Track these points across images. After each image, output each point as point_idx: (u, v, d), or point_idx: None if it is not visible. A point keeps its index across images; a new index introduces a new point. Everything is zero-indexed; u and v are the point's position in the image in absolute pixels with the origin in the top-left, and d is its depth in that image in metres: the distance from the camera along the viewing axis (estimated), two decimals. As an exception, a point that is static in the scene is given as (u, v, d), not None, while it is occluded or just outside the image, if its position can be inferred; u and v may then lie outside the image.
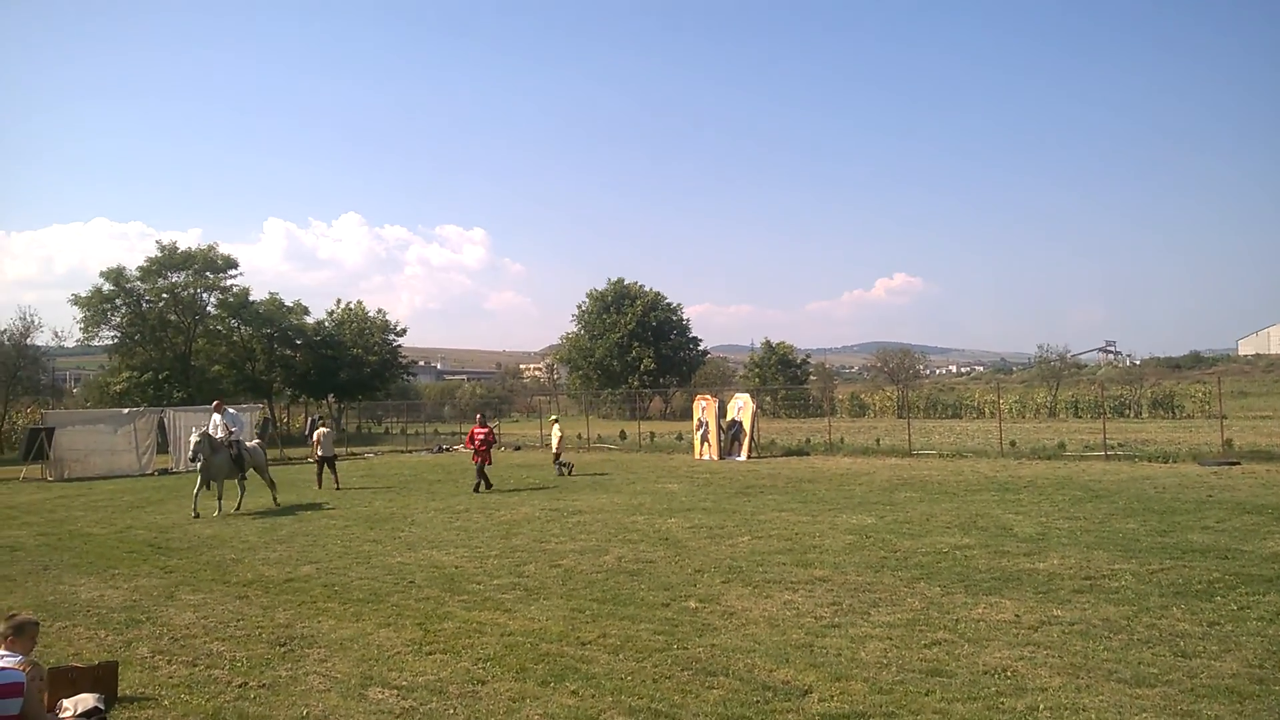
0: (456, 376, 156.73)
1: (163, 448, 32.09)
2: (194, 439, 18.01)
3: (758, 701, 6.08)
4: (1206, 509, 14.27)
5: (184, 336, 50.03)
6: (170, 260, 48.98)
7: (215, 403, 20.07)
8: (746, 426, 29.62)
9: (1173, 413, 53.03)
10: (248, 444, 19.48)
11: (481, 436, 21.34)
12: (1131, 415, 53.26)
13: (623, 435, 39.85)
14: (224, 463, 18.11)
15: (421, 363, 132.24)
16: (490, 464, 21.27)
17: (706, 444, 29.91)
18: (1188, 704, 5.78)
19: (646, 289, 78.64)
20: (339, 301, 59.06)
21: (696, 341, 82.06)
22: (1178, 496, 15.94)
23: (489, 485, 20.60)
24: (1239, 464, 21.59)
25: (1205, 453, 23.89)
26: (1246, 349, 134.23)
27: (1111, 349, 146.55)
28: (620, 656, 7.17)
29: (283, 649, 7.71)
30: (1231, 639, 7.14)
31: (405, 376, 68.90)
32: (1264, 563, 10.01)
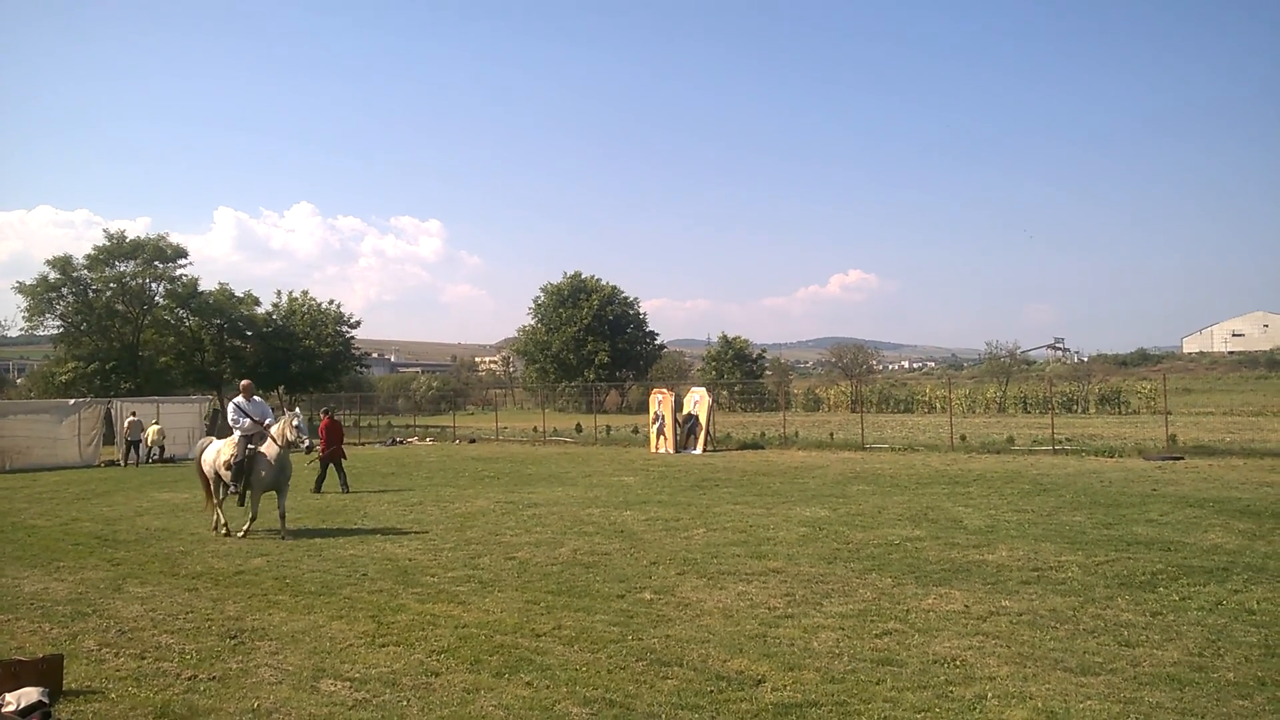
0: (411, 369, 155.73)
1: (109, 438, 31.55)
2: (245, 427, 13.56)
3: (711, 691, 6.11)
4: (1151, 502, 14.57)
5: (132, 326, 49.25)
6: (118, 249, 48.18)
7: (245, 383, 14.29)
8: (702, 420, 29.75)
9: (1119, 409, 54.07)
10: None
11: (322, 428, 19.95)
12: (1079, 411, 54.24)
13: (579, 428, 39.84)
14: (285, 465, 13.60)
15: (375, 355, 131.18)
16: (345, 459, 19.98)
17: (663, 437, 29.99)
18: (1131, 691, 5.90)
19: (603, 283, 78.81)
20: (280, 293, 58.19)
21: (653, 335, 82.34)
22: (1123, 490, 16.25)
23: (345, 486, 19.07)
24: (1183, 459, 22.07)
25: (1150, 448, 24.38)
26: (1191, 347, 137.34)
27: (1060, 346, 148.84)
28: (575, 648, 7.17)
29: (233, 641, 7.61)
30: (1173, 628, 7.30)
31: (358, 369, 68.31)
32: (1205, 554, 10.25)
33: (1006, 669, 6.40)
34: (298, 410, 13.53)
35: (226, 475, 13.47)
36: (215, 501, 13.88)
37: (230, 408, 13.96)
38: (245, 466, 13.31)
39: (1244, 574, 9.20)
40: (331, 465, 19.59)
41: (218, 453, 13.75)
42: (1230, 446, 23.97)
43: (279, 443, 13.26)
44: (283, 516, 13.33)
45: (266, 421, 13.64)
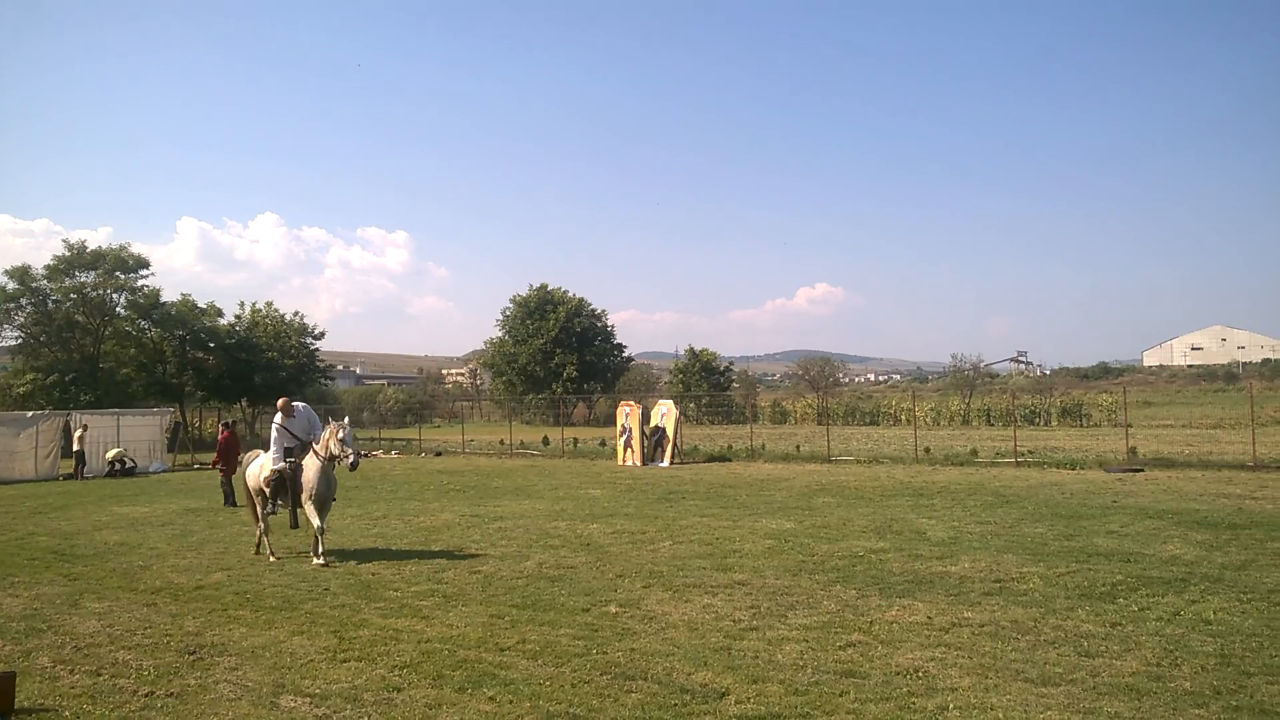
0: (377, 381, 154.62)
1: (66, 451, 31.06)
2: (280, 446, 12.56)
3: (676, 705, 6.10)
4: (1111, 514, 14.75)
5: (92, 338, 48.51)
6: (79, 259, 47.46)
7: (282, 401, 12.99)
8: (670, 433, 29.76)
9: (1081, 421, 54.65)
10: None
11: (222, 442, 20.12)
12: (1041, 423, 54.77)
13: (546, 441, 39.73)
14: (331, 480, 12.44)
15: (340, 367, 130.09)
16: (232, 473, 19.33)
17: (630, 450, 29.95)
18: (1090, 701, 5.96)
19: (571, 294, 78.63)
20: (243, 304, 57.55)
21: (621, 348, 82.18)
22: (1084, 502, 16.44)
23: (231, 501, 18.98)
24: (1143, 470, 22.36)
25: (1111, 460, 24.70)
26: (1151, 360, 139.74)
27: (1023, 359, 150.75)
28: (539, 662, 7.14)
29: (192, 657, 7.51)
30: (1132, 639, 7.39)
31: (323, 381, 67.63)
32: (1163, 565, 10.39)
33: (968, 680, 6.45)
34: (346, 421, 12.30)
35: (267, 491, 12.53)
36: (260, 521, 12.82)
37: (273, 431, 12.79)
38: (285, 482, 12.31)
39: (1201, 584, 9.33)
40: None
41: (261, 467, 12.84)
42: (1189, 459, 24.34)
43: (321, 455, 12.11)
44: (320, 534, 12.03)
45: (313, 436, 12.48)
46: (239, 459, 19.55)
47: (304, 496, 12.15)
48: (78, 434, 29.71)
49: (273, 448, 12.69)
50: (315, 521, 12.00)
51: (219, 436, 20.95)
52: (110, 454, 30.29)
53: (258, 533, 12.86)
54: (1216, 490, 17.86)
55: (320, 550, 11.91)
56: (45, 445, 29.91)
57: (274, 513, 12.52)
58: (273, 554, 12.45)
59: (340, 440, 11.98)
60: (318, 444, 12.24)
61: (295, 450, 12.44)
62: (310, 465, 12.18)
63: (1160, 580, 9.58)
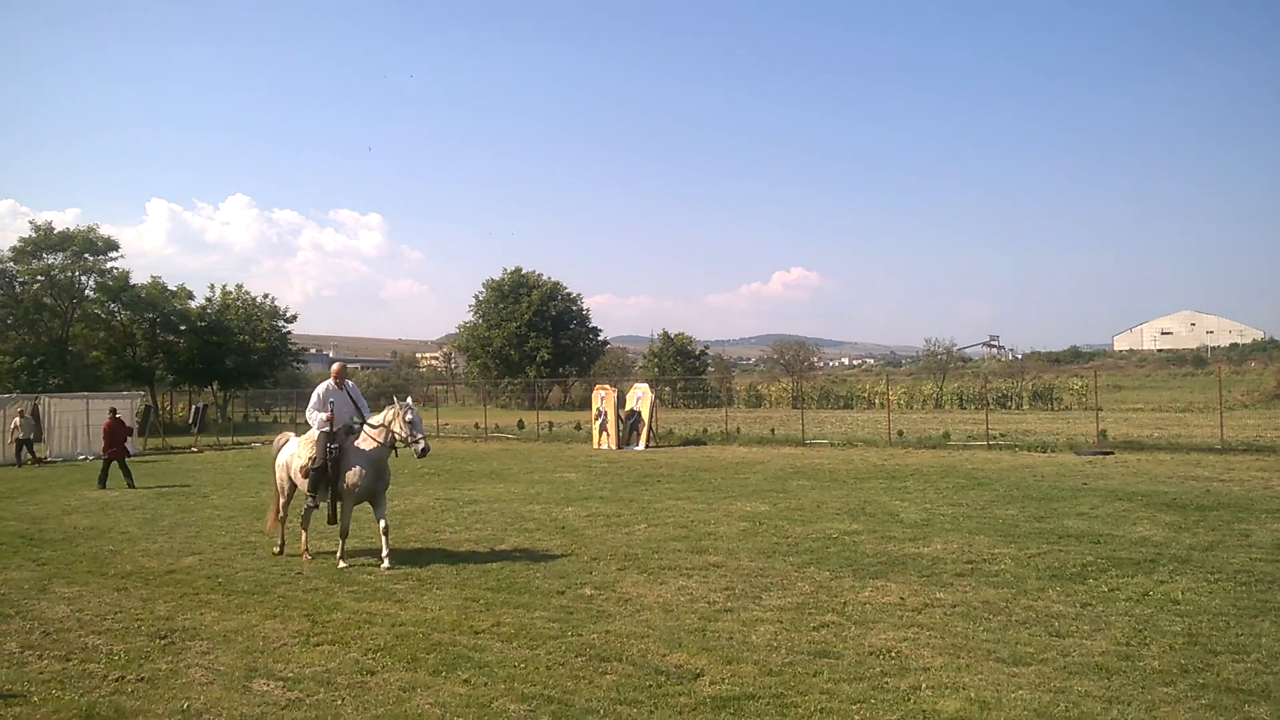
0: (351, 364, 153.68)
1: (38, 435, 30.67)
2: (320, 421, 10.94)
3: (650, 686, 6.11)
4: (1081, 496, 14.90)
5: (60, 320, 47.90)
6: (46, 241, 46.79)
7: (336, 366, 11.96)
8: (645, 416, 29.78)
9: (1052, 405, 55.12)
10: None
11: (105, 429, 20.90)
12: (1013, 407, 55.21)
13: (521, 425, 39.63)
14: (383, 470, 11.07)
15: (313, 350, 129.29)
16: (129, 456, 21.17)
17: (605, 433, 29.96)
18: (1060, 681, 6.02)
19: (545, 278, 78.33)
20: (213, 286, 56.99)
21: (596, 331, 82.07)
22: (1055, 484, 16.59)
23: (129, 481, 19.80)
24: (1112, 453, 22.59)
25: (1081, 443, 24.92)
26: (1121, 345, 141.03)
27: (995, 344, 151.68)
28: (514, 644, 7.13)
29: (163, 642, 7.44)
30: (1102, 619, 7.47)
31: (295, 364, 67.20)
32: (1133, 547, 10.51)
33: (940, 660, 6.49)
34: (409, 401, 10.92)
35: (303, 484, 11.04)
36: (283, 516, 11.51)
37: (313, 396, 11.22)
38: (327, 471, 10.71)
39: (1170, 565, 9.45)
40: (115, 464, 20.27)
41: (293, 454, 11.35)
42: (1158, 442, 24.60)
43: (379, 439, 10.82)
44: (385, 533, 10.63)
45: (355, 420, 11.21)
46: (126, 443, 21.18)
47: (345, 488, 10.67)
48: (14, 421, 28.94)
49: (311, 413, 11.07)
50: (377, 515, 10.78)
51: (104, 424, 21.40)
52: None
53: (277, 529, 11.60)
54: (1185, 473, 18.07)
55: (385, 551, 10.48)
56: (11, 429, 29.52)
57: (315, 506, 11.08)
58: (307, 550, 11.23)
59: (409, 423, 10.62)
60: (372, 428, 10.93)
61: (338, 434, 10.90)
62: (357, 452, 10.79)
63: (1130, 561, 9.69)
